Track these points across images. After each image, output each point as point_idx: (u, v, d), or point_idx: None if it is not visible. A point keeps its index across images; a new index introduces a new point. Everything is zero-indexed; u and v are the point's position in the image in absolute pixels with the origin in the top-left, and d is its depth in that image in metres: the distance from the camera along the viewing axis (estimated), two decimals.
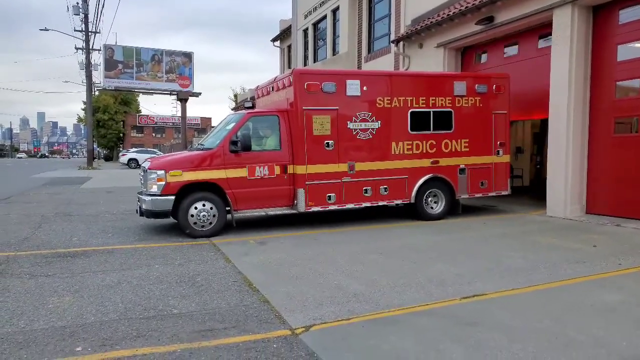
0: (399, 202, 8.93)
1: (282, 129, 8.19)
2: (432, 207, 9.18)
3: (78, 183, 19.57)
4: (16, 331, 3.75)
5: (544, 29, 10.16)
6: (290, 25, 24.57)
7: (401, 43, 14.36)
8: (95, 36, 33.49)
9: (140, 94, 45.34)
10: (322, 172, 8.25)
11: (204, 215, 7.62)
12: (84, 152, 70.40)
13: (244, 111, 8.65)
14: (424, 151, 9.02)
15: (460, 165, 9.29)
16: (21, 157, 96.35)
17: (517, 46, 11.27)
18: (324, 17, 20.33)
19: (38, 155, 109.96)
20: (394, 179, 8.78)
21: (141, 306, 4.32)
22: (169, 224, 8.85)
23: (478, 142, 9.45)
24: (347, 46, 18.06)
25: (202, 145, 8.58)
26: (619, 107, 8.93)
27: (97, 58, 39.03)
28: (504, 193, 9.84)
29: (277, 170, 8.06)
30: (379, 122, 8.66)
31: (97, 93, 51.43)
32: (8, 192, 15.35)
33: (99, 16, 45.42)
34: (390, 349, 3.38)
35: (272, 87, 9.07)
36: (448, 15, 11.90)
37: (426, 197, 9.08)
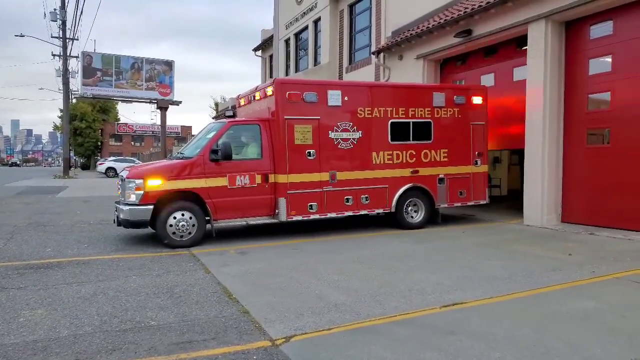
0: (379, 211, 8.99)
1: (263, 138, 8.16)
2: (412, 217, 9.27)
3: (54, 192, 19.12)
4: None
5: (521, 42, 10.42)
6: (272, 35, 24.64)
7: (382, 54, 14.53)
8: (73, 43, 33.02)
9: (119, 102, 44.76)
10: (303, 182, 8.24)
11: (182, 225, 7.51)
12: (60, 161, 68.93)
13: (225, 120, 8.63)
14: (404, 161, 9.12)
15: (440, 175, 9.41)
16: None
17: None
18: (306, 27, 20.46)
19: (9, 163, 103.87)
20: (374, 188, 8.84)
21: (118, 318, 4.23)
22: (147, 234, 8.69)
23: (457, 152, 9.59)
24: (329, 57, 18.20)
25: (182, 154, 8.49)
26: (591, 119, 9.19)
27: (75, 65, 38.44)
28: (482, 202, 10.01)
29: (258, 179, 8.01)
30: (360, 132, 8.73)
31: (74, 101, 50.57)
32: None
33: (77, 23, 44.84)
34: (370, 359, 3.37)
35: (253, 97, 9.05)
36: (427, 27, 12.11)
37: (406, 206, 9.17)
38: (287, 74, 22.44)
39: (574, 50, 9.38)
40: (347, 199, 8.61)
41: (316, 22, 19.55)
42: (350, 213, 8.72)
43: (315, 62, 19.76)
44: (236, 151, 8.04)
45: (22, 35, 36.34)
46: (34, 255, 6.88)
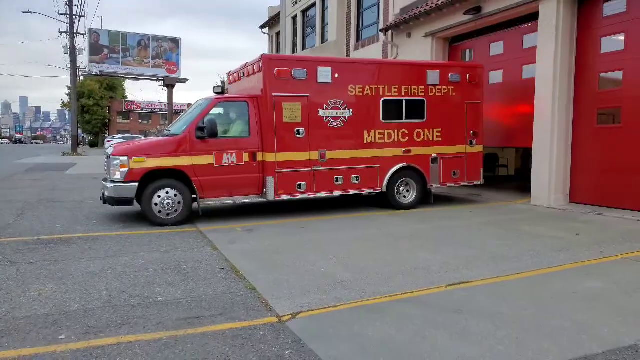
0: (370, 191, 8.85)
1: (251, 116, 8.00)
2: (404, 197, 9.11)
3: (62, 169, 19.27)
4: None
5: (531, 20, 10.18)
6: (279, 12, 24.27)
7: (390, 32, 14.28)
8: (80, 20, 32.74)
9: (127, 79, 44.62)
10: (292, 160, 8.10)
11: (168, 203, 7.45)
12: (68, 138, 69.19)
13: (211, 96, 8.42)
14: (396, 140, 8.92)
15: (433, 155, 9.22)
16: (2, 143, 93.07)
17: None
18: (313, 4, 20.11)
19: (13, 140, 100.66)
20: (365, 167, 8.67)
21: (126, 294, 4.28)
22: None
23: (451, 132, 9.37)
24: (336, 34, 17.92)
25: (169, 131, 8.39)
26: (601, 99, 9.02)
27: (82, 42, 38.18)
28: (476, 183, 9.84)
29: (246, 157, 7.90)
30: (351, 110, 8.51)
31: (82, 78, 50.46)
32: None
33: None
34: (376, 336, 3.40)
35: (243, 73, 8.82)
36: (436, 4, 11.85)
37: (398, 186, 9.00)
38: (293, 51, 22.17)
39: (586, 28, 9.15)
40: (337, 178, 8.45)
41: None
42: (340, 193, 8.60)
43: (323, 39, 19.49)
44: (223, 128, 7.94)
45: (29, 12, 36.11)
46: (44, 231, 6.96)
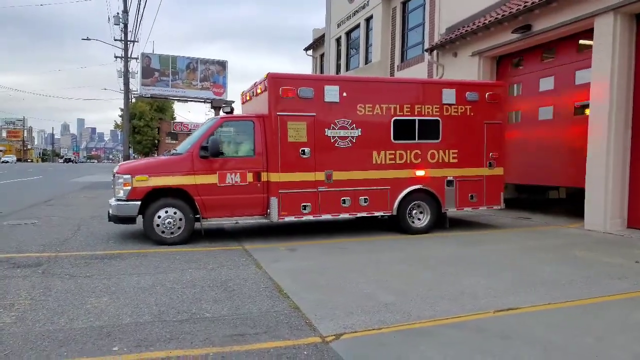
0: (380, 213, 8.49)
1: (256, 135, 7.90)
2: (418, 219, 8.70)
3: None
4: (57, 329, 3.89)
5: (584, 36, 9.90)
6: (324, 34, 24.74)
7: (435, 52, 14.26)
8: (133, 45, 34.53)
9: (175, 101, 46.46)
10: (296, 181, 7.92)
11: (169, 222, 7.47)
12: (120, 157, 72.41)
13: (218, 116, 8.41)
14: (408, 161, 8.57)
15: (448, 177, 8.80)
16: (61, 162, 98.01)
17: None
18: (357, 25, 20.40)
19: (64, 159, 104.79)
20: (374, 189, 8.36)
21: (175, 309, 4.41)
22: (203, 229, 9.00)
23: (468, 153, 8.94)
24: (380, 55, 18.05)
25: (176, 150, 8.51)
26: None
27: (135, 66, 40.26)
28: (496, 208, 9.27)
29: (250, 177, 7.80)
30: (360, 130, 8.25)
31: (134, 100, 53.04)
32: (49, 194, 15.98)
33: (137, 26, 46.89)
34: None
35: (253, 92, 8.79)
36: (484, 23, 11.76)
37: (410, 209, 8.62)
38: (337, 72, 22.47)
39: None
40: (344, 200, 8.18)
41: (368, 20, 19.44)
42: (347, 215, 8.33)
43: (367, 60, 19.67)
44: (228, 148, 7.93)
45: (88, 39, 38.48)
46: (98, 246, 7.30)
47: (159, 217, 7.49)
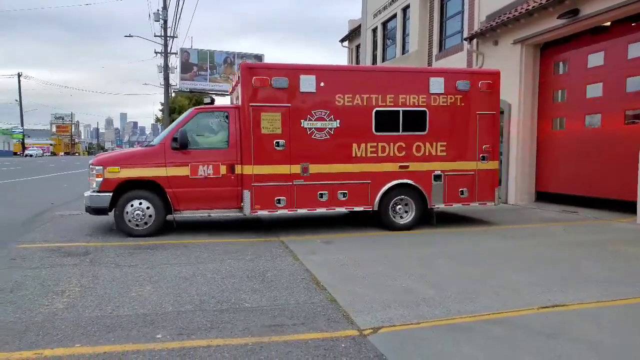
0: (359, 208, 8.13)
1: (231, 127, 7.78)
2: (400, 217, 8.28)
3: None
4: (104, 315, 4.05)
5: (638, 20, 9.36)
6: (359, 25, 24.50)
7: (475, 40, 13.84)
8: (172, 40, 35.30)
9: (213, 95, 47.29)
10: (270, 174, 7.72)
11: (137, 214, 7.50)
12: None
13: (193, 107, 8.37)
14: (391, 154, 8.16)
15: (436, 171, 8.33)
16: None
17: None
18: (394, 15, 20.07)
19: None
20: (354, 183, 8.02)
21: (215, 299, 4.51)
22: (242, 220, 9.15)
23: (458, 146, 8.46)
24: (417, 44, 17.71)
25: (151, 142, 8.53)
26: None
27: (174, 61, 41.23)
28: (489, 204, 8.75)
29: (223, 169, 7.68)
30: (338, 121, 7.92)
31: (173, 94, 54.30)
32: None
33: (177, 21, 47.93)
34: (461, 357, 3.27)
35: (235, 83, 8.71)
36: (527, 9, 11.30)
37: (394, 204, 8.22)
38: (374, 63, 22.23)
39: None
40: (322, 194, 7.90)
41: (405, 9, 19.09)
42: (324, 209, 8.04)
43: (403, 50, 19.34)
44: (200, 140, 7.82)
45: (130, 36, 39.62)
46: (141, 237, 7.54)
47: (132, 205, 7.52)
